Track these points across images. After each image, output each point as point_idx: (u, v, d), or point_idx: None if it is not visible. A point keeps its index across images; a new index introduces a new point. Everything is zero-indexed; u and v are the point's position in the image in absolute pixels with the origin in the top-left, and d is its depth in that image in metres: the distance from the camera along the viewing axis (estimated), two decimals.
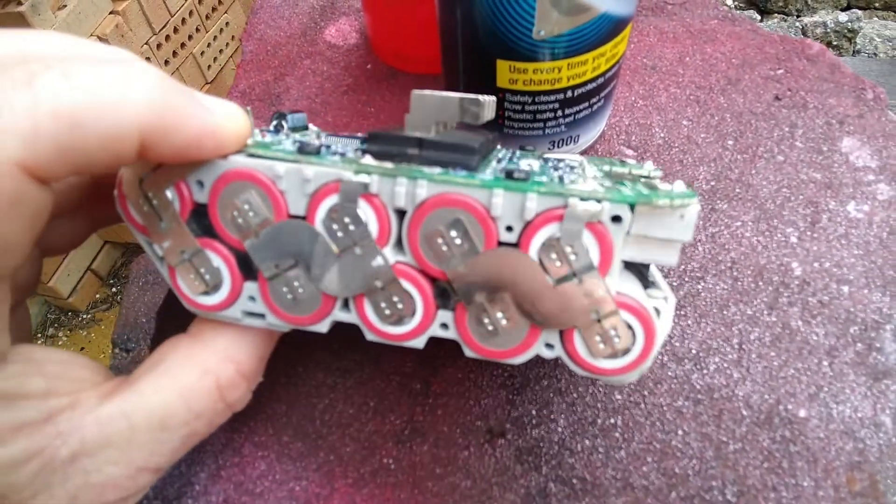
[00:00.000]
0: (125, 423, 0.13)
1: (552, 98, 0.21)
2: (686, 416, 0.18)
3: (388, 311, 0.14)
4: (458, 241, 0.13)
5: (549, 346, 0.14)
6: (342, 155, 0.14)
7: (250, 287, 0.15)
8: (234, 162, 0.13)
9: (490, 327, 0.14)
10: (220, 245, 0.14)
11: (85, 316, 1.04)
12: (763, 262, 0.21)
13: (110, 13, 0.95)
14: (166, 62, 1.05)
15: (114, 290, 1.02)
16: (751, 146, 0.24)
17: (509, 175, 0.13)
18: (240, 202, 0.14)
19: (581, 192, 0.12)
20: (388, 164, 0.13)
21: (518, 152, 0.18)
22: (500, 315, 0.13)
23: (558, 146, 0.23)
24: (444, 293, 0.14)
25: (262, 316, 0.15)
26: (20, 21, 0.80)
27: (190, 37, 1.14)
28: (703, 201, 0.23)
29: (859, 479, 0.17)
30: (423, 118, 0.14)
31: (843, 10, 1.13)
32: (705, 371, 0.19)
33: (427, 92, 0.14)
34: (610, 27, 0.19)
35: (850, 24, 0.97)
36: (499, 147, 0.18)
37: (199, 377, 0.14)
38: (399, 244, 0.14)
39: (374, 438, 0.18)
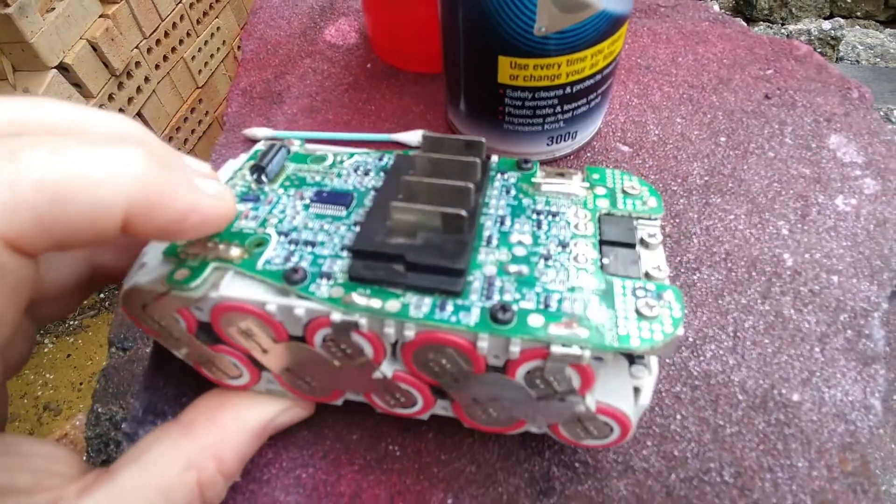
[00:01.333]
0: None
1: (551, 94, 0.21)
2: (684, 402, 0.19)
3: (392, 402, 0.16)
4: (448, 367, 0.14)
5: (538, 426, 0.16)
6: (328, 278, 0.14)
7: (268, 375, 0.16)
8: (226, 296, 0.14)
9: (483, 416, 0.16)
10: (232, 349, 0.16)
11: (72, 322, 1.03)
12: (756, 253, 0.22)
13: (100, 16, 0.94)
14: (157, 66, 1.05)
15: (101, 295, 1.01)
16: (742, 143, 0.25)
17: (494, 317, 0.13)
18: (241, 327, 0.15)
19: (564, 338, 0.13)
20: (376, 303, 0.14)
21: (513, 181, 0.17)
22: (491, 411, 0.15)
23: (556, 142, 0.24)
24: (441, 391, 0.15)
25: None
26: (7, 23, 0.79)
27: (181, 41, 1.13)
28: (698, 196, 0.23)
29: (851, 460, 0.17)
30: (407, 226, 0.14)
31: (826, 18, 1.15)
32: (702, 358, 0.19)
33: (406, 205, 0.14)
34: (608, 24, 0.20)
35: (832, 31, 1.00)
36: (493, 172, 0.17)
37: (181, 471, 0.14)
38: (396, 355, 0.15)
39: (380, 427, 0.19)
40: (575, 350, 0.13)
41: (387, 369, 0.15)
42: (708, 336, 0.20)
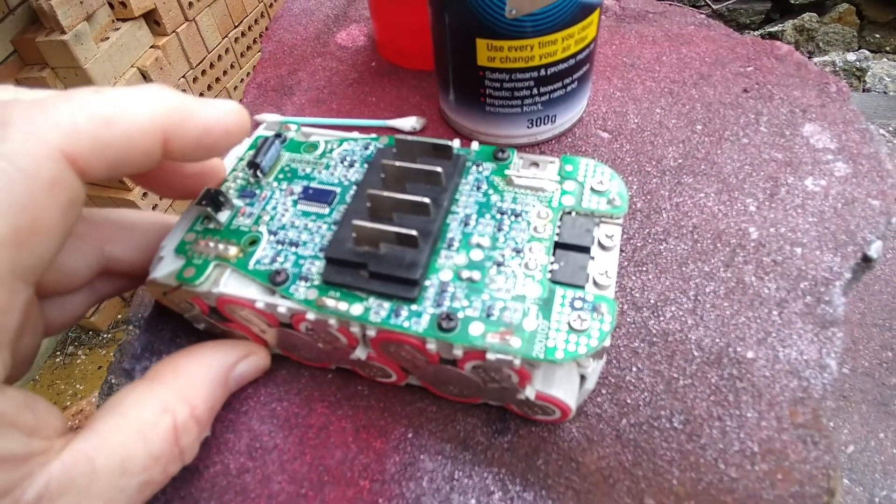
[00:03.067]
0: (88, 465, 0.13)
1: (527, 76, 0.23)
2: (641, 356, 0.19)
3: (371, 373, 0.19)
4: (407, 357, 0.16)
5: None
6: (305, 280, 0.17)
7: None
8: (224, 292, 0.17)
9: (446, 390, 0.18)
10: (240, 326, 0.18)
11: (105, 335, 1.08)
12: (722, 227, 0.23)
13: (151, 47, 1.02)
14: (201, 94, 1.12)
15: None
16: (718, 130, 0.26)
17: (440, 325, 0.15)
18: (242, 314, 0.18)
19: (497, 347, 0.15)
20: (343, 306, 0.16)
21: (487, 174, 0.18)
22: (451, 388, 0.18)
23: (536, 125, 0.25)
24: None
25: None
26: (63, 49, 0.86)
27: (224, 72, 1.21)
28: (670, 176, 0.25)
29: (802, 413, 0.18)
30: (370, 240, 0.16)
31: (853, 51, 1.15)
32: (662, 318, 0.20)
33: (365, 224, 0.16)
34: (577, 9, 0.22)
35: (858, 63, 1.00)
36: (468, 164, 0.19)
37: (157, 414, 0.15)
38: None
39: (352, 370, 0.20)
40: (507, 357, 0.15)
41: (360, 353, 0.17)
42: (669, 299, 0.21)
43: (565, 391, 0.16)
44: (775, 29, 1.23)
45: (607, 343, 0.15)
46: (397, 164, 0.17)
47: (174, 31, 1.01)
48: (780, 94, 0.27)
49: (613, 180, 0.18)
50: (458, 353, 0.15)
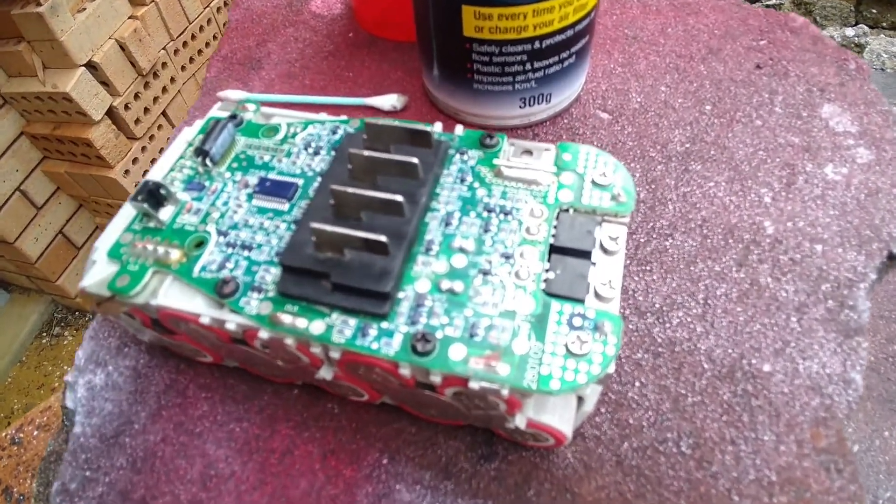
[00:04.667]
0: None
1: (519, 49, 0.21)
2: (644, 369, 0.17)
3: (340, 391, 0.16)
4: (379, 379, 0.14)
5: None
6: (258, 291, 0.14)
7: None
8: (163, 304, 0.14)
9: (427, 413, 0.16)
10: (189, 338, 0.16)
11: (91, 317, 1.05)
12: (734, 220, 0.20)
13: (129, 18, 0.97)
14: (183, 67, 1.07)
15: None
16: (728, 111, 0.24)
17: (414, 349, 0.13)
18: (190, 328, 0.15)
19: (482, 375, 0.12)
20: (301, 323, 0.13)
21: (473, 163, 0.16)
22: (433, 412, 0.15)
23: (530, 104, 0.23)
24: None
25: None
26: (39, 22, 0.81)
27: (207, 44, 1.16)
28: (677, 163, 0.22)
29: (825, 435, 0.16)
30: (332, 245, 0.14)
31: (850, 27, 1.12)
32: (668, 325, 0.18)
33: (325, 227, 0.13)
34: None
35: (856, 38, 0.97)
36: (451, 152, 0.16)
37: None
38: None
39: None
40: (493, 386, 0.12)
41: (326, 373, 0.15)
42: (676, 303, 0.19)
43: (560, 418, 0.14)
44: (773, 2, 1.19)
45: (611, 370, 0.12)
46: (366, 153, 0.15)
47: (153, 1, 0.96)
48: (795, 71, 0.25)
49: (618, 172, 0.15)
50: (437, 379, 0.13)
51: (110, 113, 0.82)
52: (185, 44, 1.08)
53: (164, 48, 1.03)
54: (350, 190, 0.14)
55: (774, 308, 0.18)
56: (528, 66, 0.21)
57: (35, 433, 0.43)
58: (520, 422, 0.14)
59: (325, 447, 0.17)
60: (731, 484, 0.15)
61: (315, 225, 0.13)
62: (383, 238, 0.13)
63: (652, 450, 0.16)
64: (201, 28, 1.12)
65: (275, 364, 0.16)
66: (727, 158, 0.22)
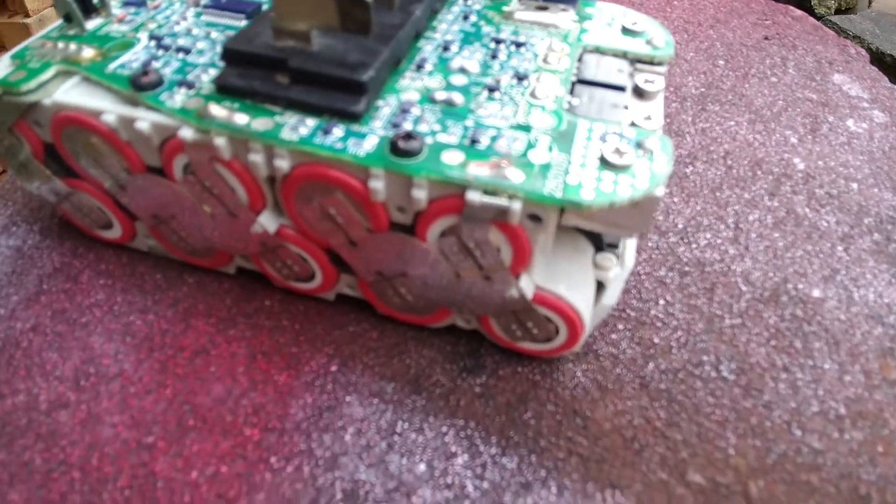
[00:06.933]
0: None
1: None
2: (670, 287, 0.14)
3: (284, 271, 0.12)
4: (339, 220, 0.10)
5: (465, 319, 0.12)
6: (189, 87, 0.11)
7: (144, 229, 0.13)
8: (60, 101, 0.11)
9: (396, 299, 0.12)
10: (91, 186, 0.13)
11: None
12: (761, 155, 0.18)
13: None
14: None
15: None
16: (742, 67, 0.22)
17: (394, 147, 0.09)
18: (87, 149, 0.11)
19: (485, 181, 0.09)
20: (241, 119, 0.10)
21: (478, 7, 0.14)
22: (404, 290, 0.11)
23: None
24: (342, 260, 0.12)
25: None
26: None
27: None
28: (693, 103, 0.20)
29: (895, 367, 0.13)
30: (294, 18, 0.10)
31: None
32: (694, 245, 0.15)
33: None
34: None
35: None
36: None
37: None
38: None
39: (262, 282, 0.14)
40: (500, 200, 0.09)
41: (268, 222, 0.11)
42: (702, 225, 0.16)
43: (577, 294, 0.11)
44: None
45: (661, 193, 0.09)
46: None
47: None
48: (802, 46, 0.24)
49: (652, 23, 0.13)
50: (422, 195, 0.09)
51: None
52: None
53: None
54: None
55: (817, 236, 0.15)
56: None
57: None
58: (526, 286, 0.10)
59: (256, 348, 0.12)
60: (789, 416, 0.12)
61: None
62: None
63: (685, 373, 0.12)
64: None
65: (198, 217, 0.12)
66: (746, 104, 0.20)
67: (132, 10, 0.13)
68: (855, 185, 0.17)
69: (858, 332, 0.13)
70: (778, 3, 0.27)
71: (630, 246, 0.12)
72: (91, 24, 0.12)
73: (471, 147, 0.09)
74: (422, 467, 0.11)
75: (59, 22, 0.13)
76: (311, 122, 0.10)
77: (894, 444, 0.11)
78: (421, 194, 0.09)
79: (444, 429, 0.11)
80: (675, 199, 0.16)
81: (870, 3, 0.58)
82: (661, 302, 0.14)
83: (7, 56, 0.12)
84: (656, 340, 0.13)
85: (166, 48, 0.12)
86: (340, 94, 0.10)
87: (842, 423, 0.12)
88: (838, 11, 0.55)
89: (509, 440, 0.11)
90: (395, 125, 0.10)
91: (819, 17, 0.45)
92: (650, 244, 0.15)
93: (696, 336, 0.13)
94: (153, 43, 0.12)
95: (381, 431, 0.11)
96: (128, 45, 0.12)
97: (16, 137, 0.12)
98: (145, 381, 0.12)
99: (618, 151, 0.09)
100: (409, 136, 0.09)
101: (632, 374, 0.12)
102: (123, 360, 0.12)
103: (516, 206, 0.09)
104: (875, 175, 0.18)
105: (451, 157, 0.09)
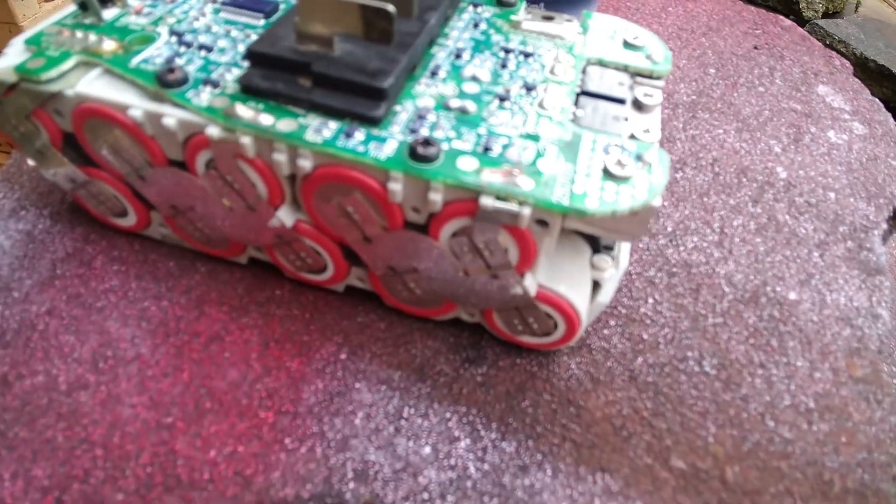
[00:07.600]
0: None
1: None
2: (658, 287, 0.15)
3: (298, 263, 0.13)
4: (356, 218, 0.11)
5: (469, 312, 0.13)
6: (214, 86, 0.11)
7: (159, 218, 0.14)
8: (83, 94, 0.11)
9: (405, 293, 0.13)
10: (109, 175, 0.13)
11: None
12: (746, 163, 0.19)
13: None
14: None
15: None
16: (732, 76, 0.23)
17: (413, 152, 0.10)
18: (109, 140, 0.12)
19: (498, 188, 0.10)
20: (266, 119, 0.10)
21: (488, 15, 0.14)
22: (413, 285, 0.12)
23: None
24: (357, 257, 0.12)
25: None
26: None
27: None
28: (684, 110, 0.21)
29: (860, 365, 0.14)
30: (318, 24, 0.11)
31: None
32: (682, 248, 0.16)
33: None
34: None
35: None
36: (464, 3, 0.14)
37: None
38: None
39: (272, 272, 0.14)
40: (511, 206, 0.10)
41: (286, 216, 0.12)
42: (690, 228, 0.17)
43: (576, 292, 0.12)
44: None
45: (657, 203, 0.10)
46: None
47: None
48: (790, 56, 0.25)
49: (651, 37, 0.14)
50: (437, 197, 0.10)
51: None
52: None
53: None
54: None
55: (795, 243, 0.16)
56: None
57: None
58: (529, 284, 0.11)
59: (268, 336, 0.13)
60: (764, 408, 0.13)
61: None
62: (389, 7, 0.10)
63: (670, 367, 0.13)
64: None
65: (217, 208, 0.12)
66: (734, 113, 0.21)
67: (149, 1, 0.13)
68: (832, 195, 0.18)
69: (829, 332, 0.14)
70: (769, 13, 0.28)
71: (625, 248, 0.13)
72: (108, 14, 0.13)
73: (484, 154, 0.10)
74: (427, 450, 0.11)
75: (72, 8, 0.13)
76: (333, 125, 0.10)
77: (857, 436, 0.12)
78: (437, 197, 0.10)
79: (448, 415, 0.12)
80: (665, 204, 0.17)
81: (856, 8, 0.60)
82: (651, 301, 0.15)
83: (20, 40, 0.12)
84: (645, 336, 0.14)
85: (188, 45, 0.12)
86: (361, 99, 0.10)
87: (810, 416, 0.13)
88: (825, 15, 0.56)
89: (508, 426, 0.12)
90: (413, 130, 0.10)
91: (807, 21, 0.47)
92: (641, 246, 0.16)
93: (682, 333, 0.14)
94: (174, 39, 0.12)
95: (389, 416, 0.12)
96: (149, 39, 0.12)
97: (33, 125, 0.12)
98: (162, 364, 0.12)
99: (619, 163, 0.10)
100: (427, 142, 0.10)
101: (622, 367, 0.13)
102: (140, 344, 0.13)
103: (526, 211, 0.10)
104: (852, 185, 0.19)
105: (466, 164, 0.10)
